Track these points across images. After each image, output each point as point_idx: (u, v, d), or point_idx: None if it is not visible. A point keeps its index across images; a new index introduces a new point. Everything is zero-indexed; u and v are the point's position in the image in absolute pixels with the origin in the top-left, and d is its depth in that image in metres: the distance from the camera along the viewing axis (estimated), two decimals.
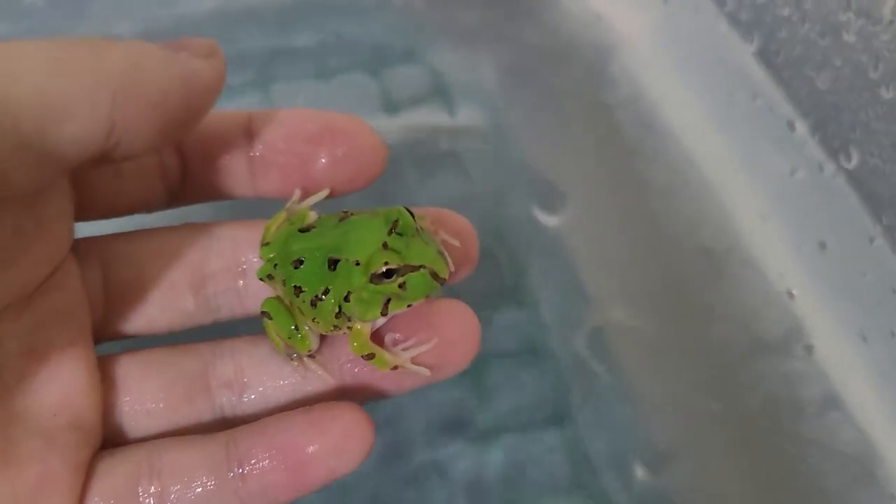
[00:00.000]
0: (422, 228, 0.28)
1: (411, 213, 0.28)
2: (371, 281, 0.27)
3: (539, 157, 0.60)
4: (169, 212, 0.33)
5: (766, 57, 0.50)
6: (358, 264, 0.27)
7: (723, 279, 0.50)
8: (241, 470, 0.27)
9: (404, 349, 0.28)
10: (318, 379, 0.29)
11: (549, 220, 0.57)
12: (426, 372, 0.28)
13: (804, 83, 0.48)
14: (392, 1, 0.65)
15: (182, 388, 0.29)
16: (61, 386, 0.27)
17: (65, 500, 0.26)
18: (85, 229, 0.31)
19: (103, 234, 0.31)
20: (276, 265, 0.29)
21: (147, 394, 0.29)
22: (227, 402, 0.29)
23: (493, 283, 0.56)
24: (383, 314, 0.27)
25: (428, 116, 0.62)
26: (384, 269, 0.26)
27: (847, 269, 0.46)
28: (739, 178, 0.52)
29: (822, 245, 0.48)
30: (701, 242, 0.52)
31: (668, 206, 0.53)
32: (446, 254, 0.28)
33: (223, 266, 0.30)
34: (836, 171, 0.46)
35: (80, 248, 0.29)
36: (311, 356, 0.29)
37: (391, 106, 0.62)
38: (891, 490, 0.44)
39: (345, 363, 0.29)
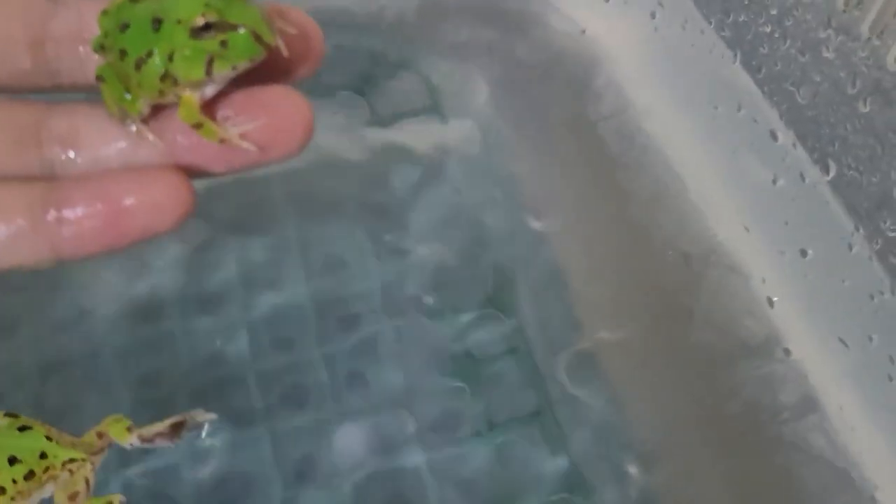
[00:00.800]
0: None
1: None
2: (192, 37, 0.27)
3: (526, 168, 0.61)
4: None
5: (748, 72, 0.51)
6: (180, 22, 0.27)
7: (704, 286, 0.52)
8: (57, 213, 0.27)
9: (233, 125, 0.28)
10: (149, 145, 0.29)
11: (535, 229, 0.58)
12: (253, 148, 0.28)
13: (785, 98, 0.49)
14: (384, 16, 0.66)
15: (10, 134, 0.29)
16: None
17: None
18: None
19: None
20: (107, 34, 0.29)
21: None
22: (57, 157, 0.29)
23: (479, 290, 0.57)
24: (208, 74, 0.27)
25: (419, 128, 0.64)
26: (202, 22, 0.27)
27: (827, 275, 0.47)
28: (722, 187, 0.53)
29: (804, 252, 0.49)
30: (683, 250, 0.53)
31: (651, 216, 0.54)
32: (277, 31, 0.28)
33: (65, 31, 0.30)
34: (818, 181, 0.47)
35: None
36: (144, 122, 0.29)
37: (383, 118, 0.63)
38: (867, 493, 0.45)
39: (176, 134, 0.29)
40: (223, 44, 0.27)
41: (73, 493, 0.35)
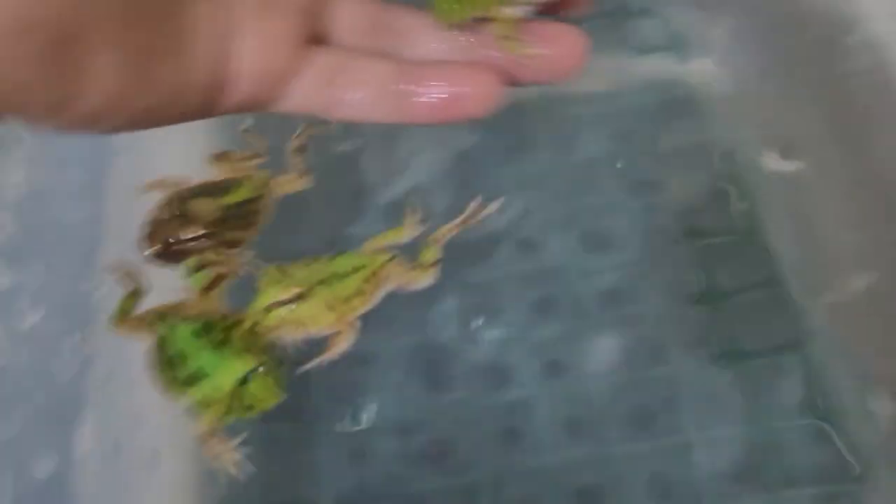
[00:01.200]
0: None
1: None
2: None
3: (772, 112, 0.64)
4: None
5: None
6: None
7: None
8: (407, 86, 0.34)
9: (531, 46, 0.34)
10: (465, 49, 0.36)
11: (780, 169, 0.62)
12: (540, 68, 0.35)
13: None
14: None
15: (366, 24, 0.36)
16: None
17: (296, 60, 0.33)
18: None
19: None
20: None
21: (344, 17, 0.36)
22: (396, 45, 0.36)
23: (726, 221, 0.61)
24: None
25: (666, 67, 0.67)
26: None
27: None
28: None
29: None
30: None
31: None
32: None
33: None
34: None
35: None
36: (464, 31, 0.36)
37: (631, 53, 0.67)
38: None
39: (485, 45, 0.36)
40: None
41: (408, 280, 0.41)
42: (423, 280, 0.43)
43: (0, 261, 0.42)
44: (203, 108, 0.32)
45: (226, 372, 0.36)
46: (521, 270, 0.61)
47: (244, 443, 0.39)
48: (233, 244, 0.46)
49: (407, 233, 0.45)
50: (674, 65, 0.67)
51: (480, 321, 0.59)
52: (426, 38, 0.37)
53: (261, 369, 0.37)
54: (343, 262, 0.42)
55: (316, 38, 0.35)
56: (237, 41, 0.31)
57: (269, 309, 0.38)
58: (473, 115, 0.35)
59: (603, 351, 0.57)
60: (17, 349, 0.42)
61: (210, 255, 0.44)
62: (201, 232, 0.44)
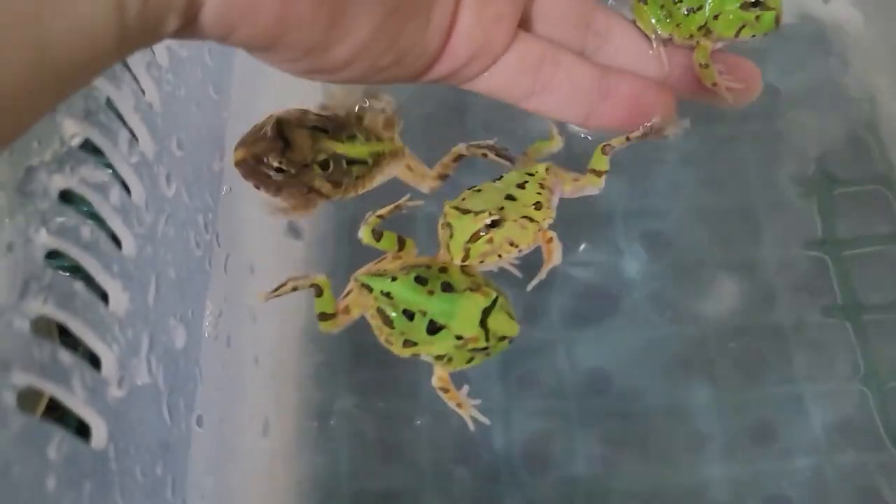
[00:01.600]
0: None
1: None
2: (741, 7, 0.37)
3: None
4: None
5: None
6: None
7: None
8: (604, 94, 0.36)
9: (725, 78, 0.37)
10: (657, 60, 0.38)
11: None
12: (730, 99, 0.38)
13: None
14: None
15: (574, 20, 0.38)
16: None
17: (508, 39, 0.34)
18: None
19: None
20: None
21: (552, 6, 0.37)
22: (592, 44, 0.38)
23: (858, 170, 0.59)
24: (735, 36, 0.37)
25: (802, 2, 0.65)
26: None
27: None
28: None
29: None
30: None
31: None
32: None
33: None
34: None
35: None
36: (663, 43, 0.38)
37: None
38: None
39: (676, 66, 0.38)
40: (757, 18, 0.36)
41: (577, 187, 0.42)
42: (594, 186, 0.41)
43: (144, 129, 0.42)
44: (419, 72, 0.33)
45: (465, 316, 0.34)
46: (631, 207, 0.60)
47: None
48: (316, 193, 0.41)
49: (555, 143, 0.44)
50: (811, 1, 0.64)
51: (582, 247, 0.59)
52: (624, 44, 0.38)
53: (497, 302, 0.35)
54: (509, 181, 0.41)
55: (523, 22, 0.35)
56: (463, 15, 0.32)
57: (470, 242, 0.37)
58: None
59: (715, 294, 0.56)
60: (157, 219, 0.42)
61: (375, 218, 0.39)
62: (288, 168, 0.39)
